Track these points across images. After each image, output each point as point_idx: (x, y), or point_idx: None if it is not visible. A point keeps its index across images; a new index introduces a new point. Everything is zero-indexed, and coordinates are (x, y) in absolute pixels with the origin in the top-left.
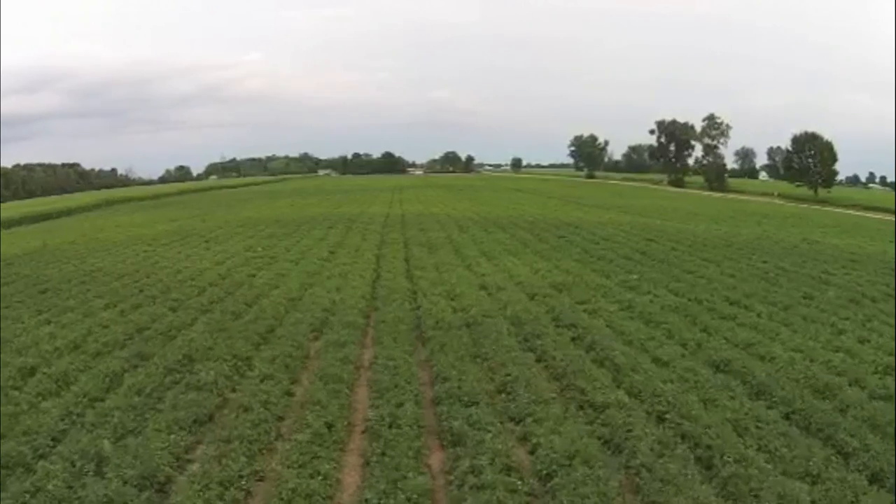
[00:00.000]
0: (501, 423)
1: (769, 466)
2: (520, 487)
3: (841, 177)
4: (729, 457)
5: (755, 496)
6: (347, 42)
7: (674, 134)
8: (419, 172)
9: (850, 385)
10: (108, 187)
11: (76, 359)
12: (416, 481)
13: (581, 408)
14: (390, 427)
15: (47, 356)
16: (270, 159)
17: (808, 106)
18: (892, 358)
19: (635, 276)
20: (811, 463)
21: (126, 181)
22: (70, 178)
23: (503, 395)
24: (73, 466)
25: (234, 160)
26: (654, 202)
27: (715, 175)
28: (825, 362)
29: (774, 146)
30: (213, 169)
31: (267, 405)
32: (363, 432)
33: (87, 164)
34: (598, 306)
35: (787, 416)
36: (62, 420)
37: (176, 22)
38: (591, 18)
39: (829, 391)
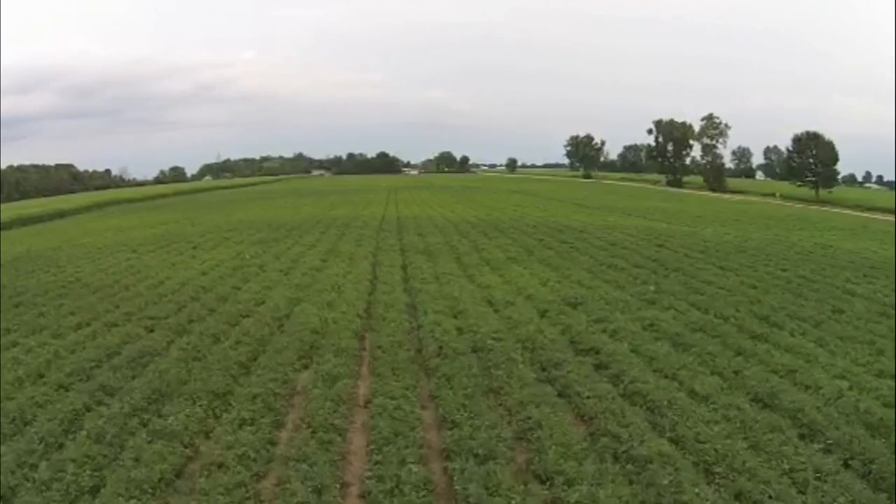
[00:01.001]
0: (525, 484)
1: None
2: None
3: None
4: None
5: None
6: (342, 42)
7: (671, 134)
8: (414, 173)
9: None
10: (102, 188)
11: (37, 391)
12: None
13: (617, 460)
14: (392, 493)
15: (7, 388)
16: (265, 159)
17: (802, 106)
18: None
19: (652, 288)
20: None
21: (120, 182)
22: (64, 179)
23: (524, 445)
24: None
25: (228, 160)
26: (656, 204)
27: (714, 175)
28: (872, 390)
29: (771, 145)
30: (207, 169)
31: (244, 460)
32: (360, 496)
33: (81, 165)
34: (619, 325)
35: (846, 464)
36: (12, 474)
37: (170, 21)
38: (585, 21)
39: (884, 428)
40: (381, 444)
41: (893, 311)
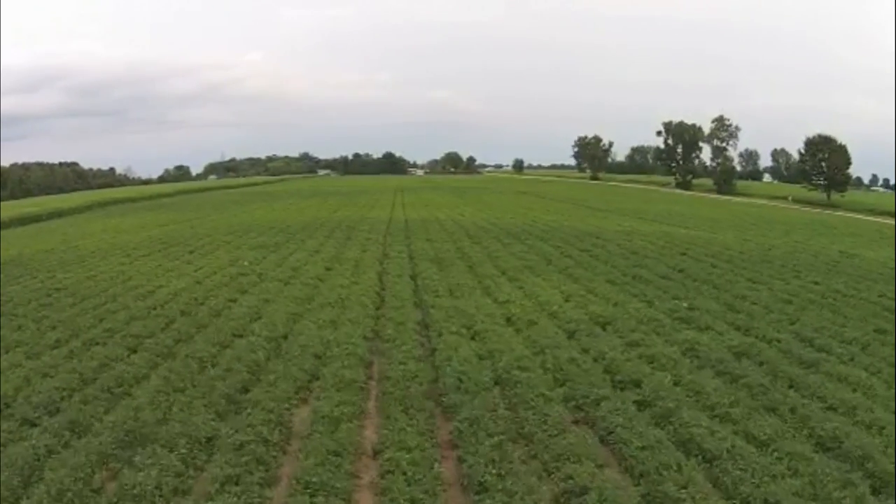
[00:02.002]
0: None
1: None
2: None
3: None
4: None
5: None
6: (348, 42)
7: (681, 135)
8: (420, 173)
9: None
10: (106, 187)
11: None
12: None
13: None
14: None
15: None
16: (270, 159)
17: (808, 108)
18: None
19: (685, 305)
20: None
21: (124, 181)
22: (68, 177)
23: None
24: None
25: (233, 160)
26: (668, 207)
27: (724, 178)
28: None
29: (779, 148)
30: (212, 169)
31: None
32: None
33: (86, 164)
34: (656, 351)
35: None
36: None
37: (177, 21)
38: (591, 20)
39: None
40: None
41: None
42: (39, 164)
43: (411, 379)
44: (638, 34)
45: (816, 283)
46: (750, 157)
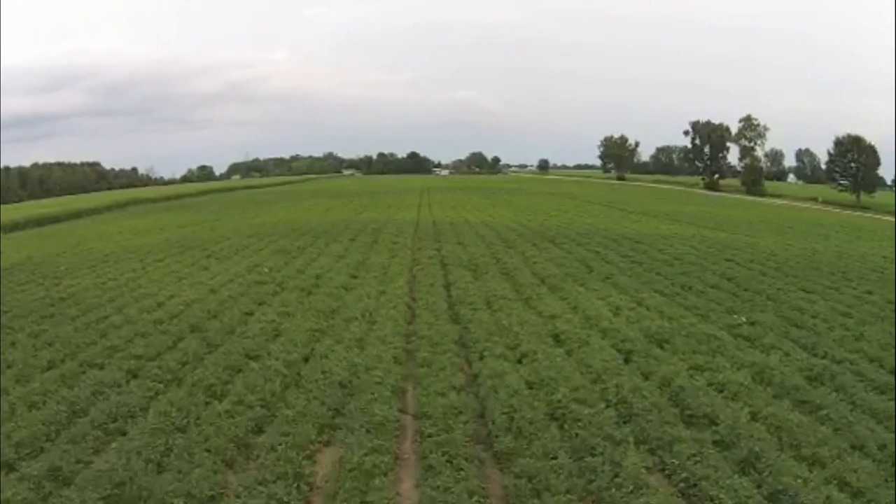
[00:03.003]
0: None
1: None
2: None
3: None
4: None
5: None
6: (373, 41)
7: (709, 136)
8: (445, 173)
9: None
10: (128, 187)
11: None
12: None
13: None
14: None
15: None
16: (294, 159)
17: (830, 111)
18: None
19: (743, 319)
20: None
21: (147, 181)
22: (89, 177)
23: None
24: None
25: (257, 160)
26: (700, 209)
27: (752, 179)
28: None
29: (803, 148)
30: (235, 168)
31: None
32: None
33: (109, 164)
34: (725, 377)
35: None
36: None
37: (201, 20)
38: (615, 22)
39: None
40: None
41: None
42: (60, 164)
43: (454, 416)
44: (661, 36)
45: (869, 292)
46: (775, 157)
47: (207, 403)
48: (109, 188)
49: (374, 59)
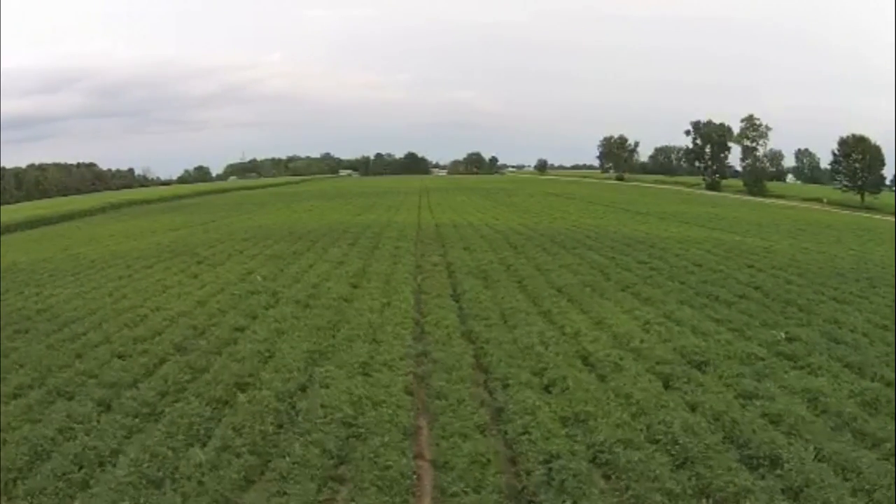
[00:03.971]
0: None
1: None
2: None
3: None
4: None
5: None
6: (370, 42)
7: (710, 136)
8: (443, 173)
9: None
10: (124, 188)
11: None
12: None
13: None
14: None
15: None
16: (291, 160)
17: (829, 109)
18: None
19: (782, 335)
20: None
21: (143, 182)
22: (85, 178)
23: None
24: None
25: (254, 160)
26: (706, 209)
27: (755, 179)
28: None
29: (802, 148)
30: (232, 169)
31: None
32: None
33: (106, 165)
34: (777, 406)
35: None
36: None
37: (197, 22)
38: (614, 21)
39: None
40: None
41: None
42: (57, 165)
43: (480, 466)
44: (659, 35)
45: None
46: (774, 157)
47: (187, 447)
48: (106, 189)
49: (371, 60)
